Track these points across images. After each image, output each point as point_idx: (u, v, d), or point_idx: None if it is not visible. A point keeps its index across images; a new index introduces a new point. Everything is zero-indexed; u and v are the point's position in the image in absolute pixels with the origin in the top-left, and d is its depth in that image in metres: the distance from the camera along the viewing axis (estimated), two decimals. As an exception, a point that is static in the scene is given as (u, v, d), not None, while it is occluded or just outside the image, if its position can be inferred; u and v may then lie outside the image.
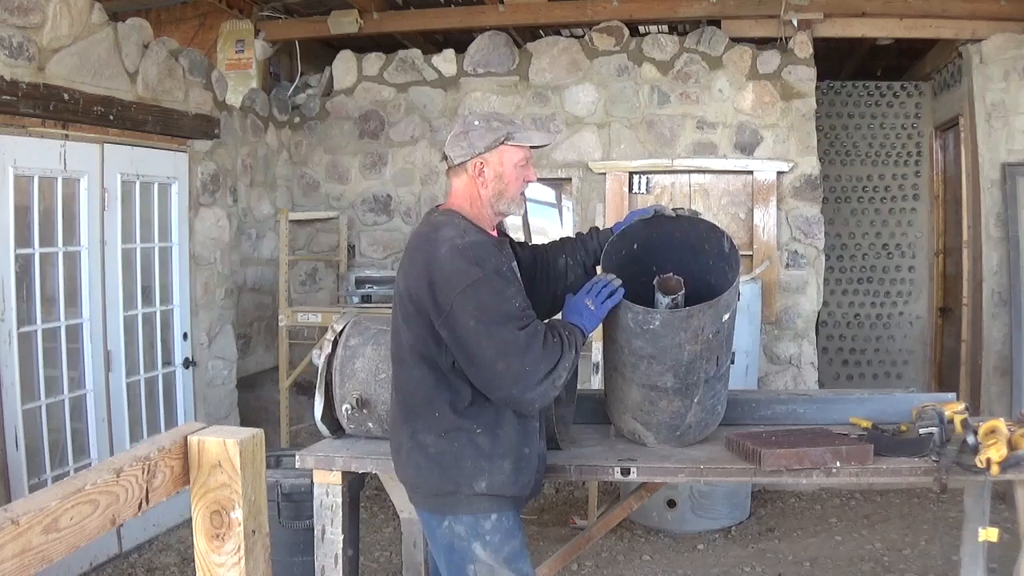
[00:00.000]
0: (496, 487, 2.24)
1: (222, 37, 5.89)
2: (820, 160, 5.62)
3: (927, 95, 6.46)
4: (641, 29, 5.96)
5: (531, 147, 2.36)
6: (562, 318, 2.34)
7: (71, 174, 3.98)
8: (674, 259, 2.51)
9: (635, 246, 2.56)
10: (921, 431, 2.52)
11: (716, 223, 2.61)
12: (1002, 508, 3.38)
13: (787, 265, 5.56)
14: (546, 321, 2.28)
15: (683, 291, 2.45)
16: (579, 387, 2.86)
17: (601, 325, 2.43)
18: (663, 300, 2.45)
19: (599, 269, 2.56)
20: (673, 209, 2.58)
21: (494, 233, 2.38)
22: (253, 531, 1.26)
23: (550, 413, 2.52)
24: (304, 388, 5.63)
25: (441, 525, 2.28)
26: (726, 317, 2.36)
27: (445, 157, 2.36)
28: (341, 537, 2.59)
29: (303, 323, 5.33)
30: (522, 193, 2.38)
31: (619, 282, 2.34)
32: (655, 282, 2.47)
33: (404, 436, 2.31)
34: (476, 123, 2.32)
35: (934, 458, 2.44)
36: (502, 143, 2.29)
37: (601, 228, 2.67)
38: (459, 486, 2.24)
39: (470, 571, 2.25)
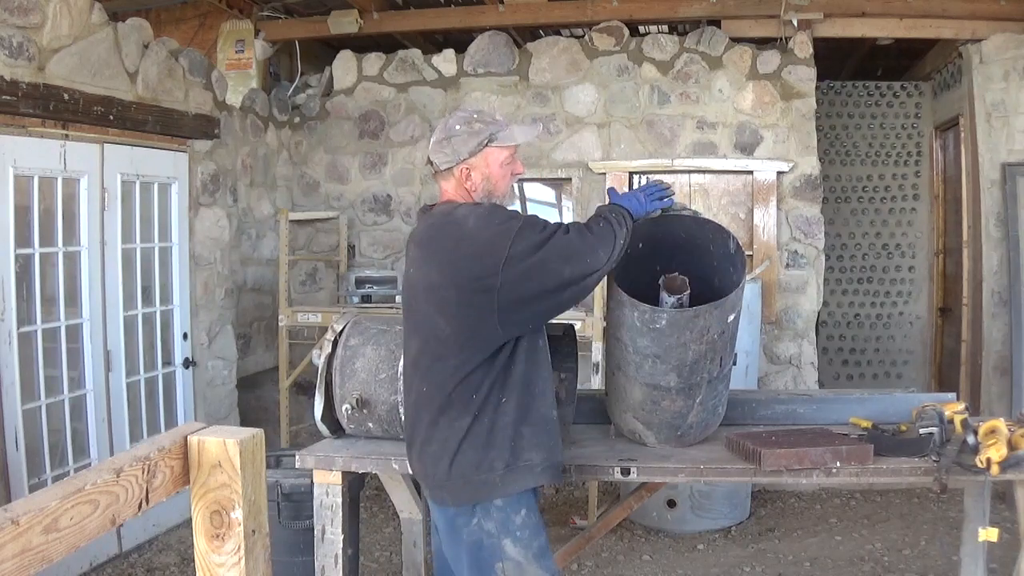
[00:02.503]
0: (521, 454, 2.25)
1: (222, 37, 5.89)
2: (820, 160, 5.62)
3: (927, 95, 6.46)
4: (641, 29, 5.96)
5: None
6: (608, 202, 2.46)
7: (71, 174, 3.98)
8: (679, 259, 2.52)
9: (640, 245, 2.56)
10: (921, 431, 2.52)
11: (722, 224, 2.62)
12: (1002, 508, 3.38)
13: (787, 265, 5.56)
14: (599, 209, 2.42)
15: (688, 291, 2.46)
16: (579, 387, 2.86)
17: (605, 323, 2.44)
18: (668, 299, 2.46)
19: None
20: (680, 208, 2.60)
21: None
22: (253, 531, 1.26)
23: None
24: (304, 388, 5.63)
25: (470, 523, 2.26)
26: (731, 318, 2.37)
27: (430, 162, 2.38)
28: (341, 537, 2.59)
29: (303, 323, 5.33)
30: (514, 185, 2.44)
31: (673, 192, 2.49)
32: (660, 281, 2.48)
33: (441, 427, 2.27)
34: (457, 127, 2.32)
35: (934, 458, 2.44)
36: (486, 146, 2.30)
37: None
38: (492, 461, 2.23)
39: (498, 569, 2.24)
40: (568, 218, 5.90)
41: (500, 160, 2.33)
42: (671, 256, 2.52)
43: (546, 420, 2.31)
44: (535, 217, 2.33)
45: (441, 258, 2.25)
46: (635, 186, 5.65)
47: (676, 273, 2.45)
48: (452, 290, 2.23)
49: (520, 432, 2.25)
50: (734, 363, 2.62)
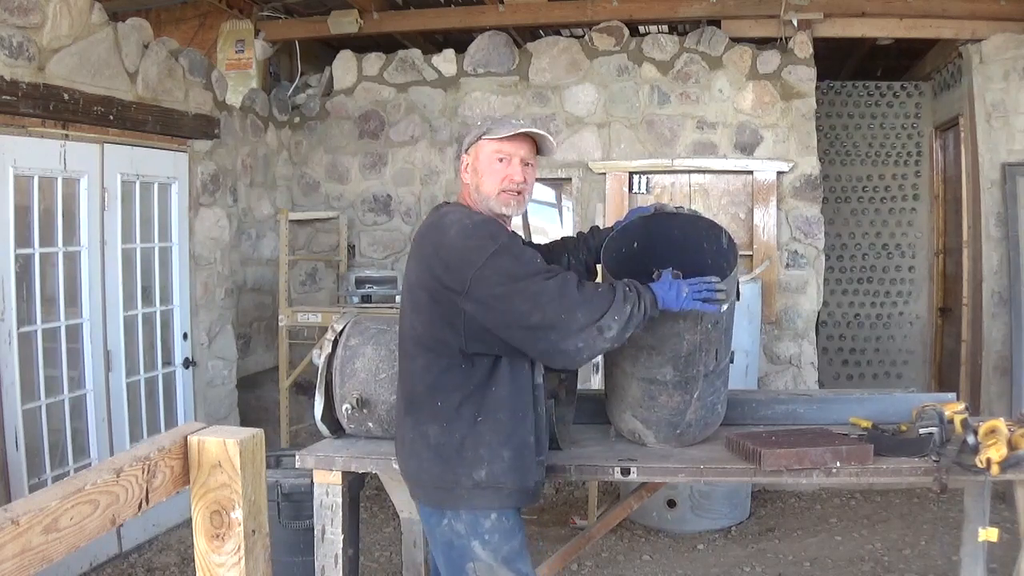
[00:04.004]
0: (495, 478, 2.24)
1: (222, 37, 5.89)
2: (820, 160, 5.62)
3: (927, 95, 6.46)
4: (641, 29, 5.96)
5: (503, 138, 2.32)
6: (649, 283, 2.27)
7: (71, 174, 3.98)
8: (674, 258, 2.52)
9: (635, 244, 2.57)
10: (921, 431, 2.52)
11: (716, 221, 2.62)
12: (1002, 508, 3.38)
13: (787, 265, 5.56)
14: (625, 280, 2.24)
15: None
16: (579, 387, 2.86)
17: None
18: None
19: (599, 268, 2.57)
20: (674, 207, 2.60)
21: None
22: (253, 531, 1.26)
23: (550, 413, 2.52)
24: (304, 388, 5.64)
25: (441, 523, 2.29)
26: (724, 307, 2.36)
27: None
28: (341, 537, 2.59)
29: (303, 323, 5.33)
30: (509, 192, 2.33)
31: (724, 298, 2.27)
32: (654, 276, 2.47)
33: (407, 427, 2.32)
34: (479, 124, 2.44)
35: (934, 458, 2.44)
36: (480, 138, 2.36)
37: (601, 228, 2.69)
38: (459, 477, 2.24)
39: (469, 569, 2.26)
40: (568, 218, 5.91)
41: (488, 152, 2.34)
42: (666, 255, 2.52)
43: (525, 445, 2.28)
44: (524, 250, 2.25)
45: (421, 259, 2.27)
46: (634, 186, 5.67)
47: (671, 269, 2.45)
48: (424, 292, 2.25)
49: (500, 455, 2.24)
50: (731, 361, 2.61)
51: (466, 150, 2.38)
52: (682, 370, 2.47)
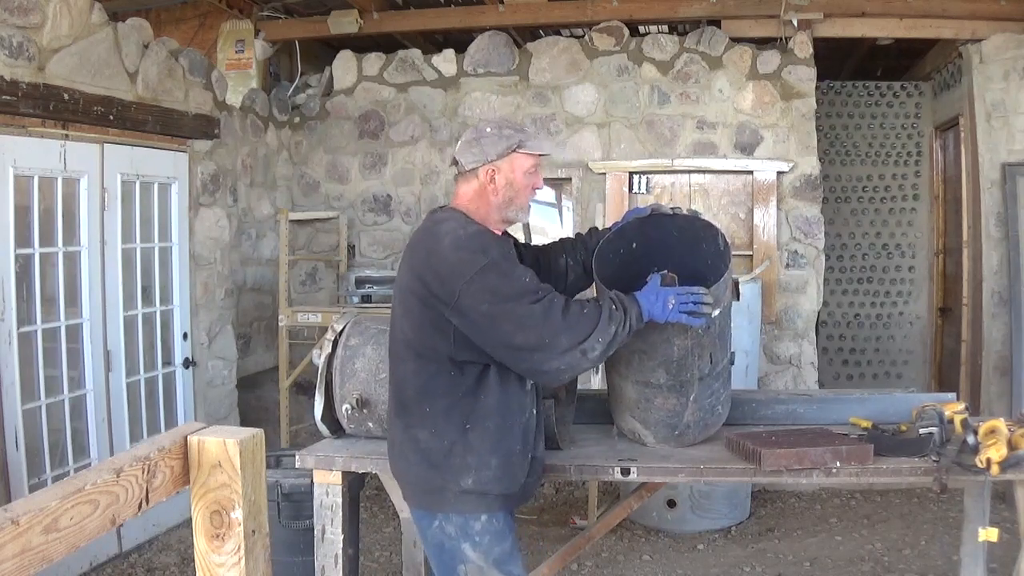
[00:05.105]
0: (482, 484, 2.25)
1: (222, 37, 5.89)
2: (820, 160, 5.62)
3: (927, 95, 6.46)
4: (641, 29, 5.96)
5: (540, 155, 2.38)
6: (636, 293, 2.26)
7: (71, 174, 3.98)
8: (671, 259, 2.51)
9: (633, 245, 2.56)
10: (921, 431, 2.52)
11: (712, 222, 2.61)
12: (1002, 508, 3.38)
13: (787, 265, 5.55)
14: (612, 293, 2.24)
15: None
16: (579, 387, 2.86)
17: None
18: None
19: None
20: (671, 208, 2.59)
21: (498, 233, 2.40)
22: (253, 531, 1.26)
23: (550, 413, 2.52)
24: (304, 388, 5.63)
25: (432, 525, 2.30)
26: (716, 313, 2.35)
27: (455, 162, 2.38)
28: (341, 537, 2.60)
29: (303, 323, 5.33)
30: (531, 200, 2.41)
31: (713, 311, 2.26)
32: (648, 279, 2.47)
33: (398, 430, 2.34)
34: (488, 130, 2.34)
35: (934, 458, 2.44)
36: (513, 151, 2.32)
37: (600, 229, 2.68)
38: (447, 482, 2.25)
39: (460, 571, 2.27)
40: (568, 218, 5.91)
41: (525, 168, 2.34)
42: (664, 256, 2.51)
43: (513, 453, 2.29)
44: (514, 266, 2.24)
45: (413, 265, 2.28)
46: (634, 186, 5.67)
47: (666, 271, 2.44)
48: (415, 297, 2.25)
49: (488, 463, 2.25)
50: (731, 362, 2.61)
51: (492, 160, 2.31)
52: (675, 374, 2.46)
